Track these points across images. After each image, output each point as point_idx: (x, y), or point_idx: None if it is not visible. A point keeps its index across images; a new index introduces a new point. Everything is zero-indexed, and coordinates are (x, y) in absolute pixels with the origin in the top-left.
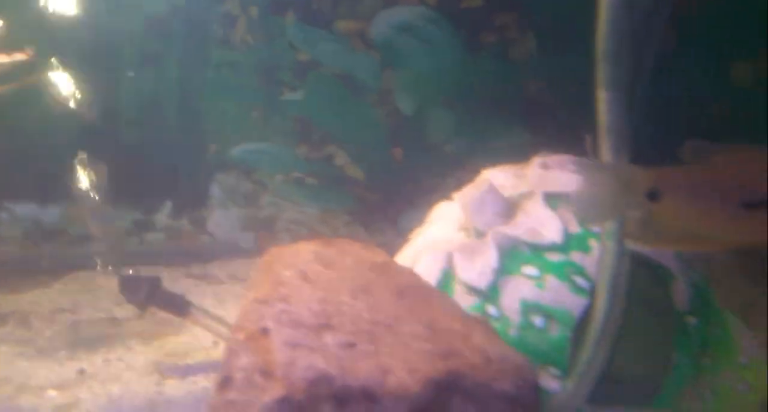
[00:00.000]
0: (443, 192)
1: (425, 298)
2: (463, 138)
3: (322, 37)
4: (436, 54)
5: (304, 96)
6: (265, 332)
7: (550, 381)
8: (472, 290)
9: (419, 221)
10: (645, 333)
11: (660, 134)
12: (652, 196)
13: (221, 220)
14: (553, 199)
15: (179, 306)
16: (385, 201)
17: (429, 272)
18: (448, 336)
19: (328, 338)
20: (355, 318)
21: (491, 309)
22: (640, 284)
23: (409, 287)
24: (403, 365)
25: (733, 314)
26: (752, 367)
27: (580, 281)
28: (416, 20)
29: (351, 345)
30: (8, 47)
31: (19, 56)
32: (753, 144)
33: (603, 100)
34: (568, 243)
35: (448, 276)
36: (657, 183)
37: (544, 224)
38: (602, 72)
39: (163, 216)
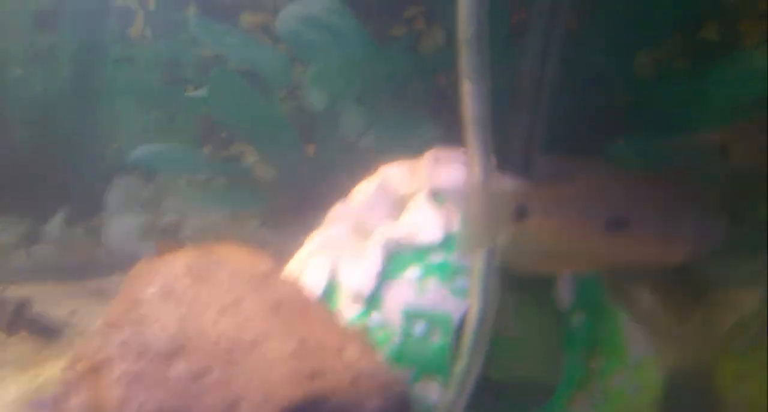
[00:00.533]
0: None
1: (302, 311)
2: (376, 133)
3: (227, 31)
4: (345, 47)
5: (208, 93)
6: (107, 362)
7: (434, 393)
8: (357, 297)
9: None
10: (531, 335)
11: (565, 126)
12: (521, 213)
13: (119, 229)
14: (439, 196)
15: (50, 330)
16: (299, 201)
17: (314, 280)
18: (319, 353)
19: (179, 367)
20: (217, 339)
21: (375, 317)
22: (521, 281)
23: (287, 300)
24: (258, 392)
25: (622, 311)
26: (642, 367)
27: (460, 281)
28: (323, 13)
29: (201, 375)
30: None
31: None
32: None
33: (467, 93)
34: (450, 242)
35: (332, 286)
36: (525, 200)
37: (426, 223)
38: (465, 62)
39: (54, 226)
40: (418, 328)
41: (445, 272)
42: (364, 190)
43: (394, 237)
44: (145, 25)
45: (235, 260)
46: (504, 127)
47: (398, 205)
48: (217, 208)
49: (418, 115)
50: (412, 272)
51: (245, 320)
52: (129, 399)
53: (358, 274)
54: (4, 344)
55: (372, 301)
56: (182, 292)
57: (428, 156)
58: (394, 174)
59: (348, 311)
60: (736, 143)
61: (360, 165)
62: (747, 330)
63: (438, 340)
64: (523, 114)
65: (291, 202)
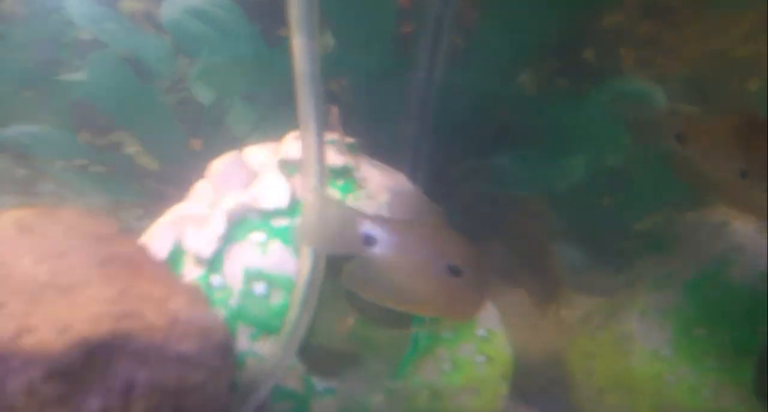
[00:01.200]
0: None
1: (135, 267)
2: (265, 131)
3: (106, 15)
4: (232, 43)
5: (86, 77)
6: None
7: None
8: (199, 260)
9: None
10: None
11: (442, 138)
12: (368, 241)
13: None
14: (288, 167)
15: None
16: (182, 193)
17: (160, 246)
18: (138, 301)
19: None
20: (22, 282)
21: (215, 279)
22: None
23: (121, 257)
24: (55, 326)
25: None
26: (490, 340)
27: None
28: (209, 6)
29: None
30: None
31: None
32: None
33: (297, 47)
34: (295, 208)
35: (177, 249)
36: (372, 229)
37: (273, 190)
38: (294, 15)
39: None
40: (258, 288)
41: (288, 235)
42: (216, 164)
43: (240, 202)
44: (18, 2)
45: (76, 221)
46: (392, 132)
47: (253, 178)
48: (97, 194)
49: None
50: (257, 235)
51: (66, 269)
52: None
53: (201, 237)
54: None
55: (213, 263)
56: (2, 239)
57: (289, 135)
58: (252, 150)
59: (190, 273)
60: (691, 130)
61: None
62: (592, 320)
63: (278, 300)
64: (411, 124)
65: (174, 194)
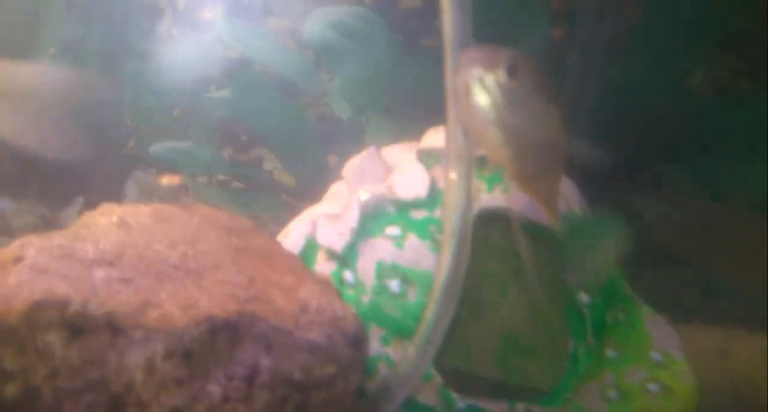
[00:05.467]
0: None
1: (267, 258)
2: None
3: (254, 33)
4: (374, 55)
5: (231, 95)
6: (18, 260)
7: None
8: (331, 254)
9: None
10: (530, 311)
11: (604, 145)
12: (512, 71)
13: None
14: (428, 157)
15: None
16: None
17: (294, 240)
18: (268, 287)
19: (98, 273)
20: (154, 262)
21: (348, 275)
22: (516, 247)
23: (254, 246)
24: (181, 302)
25: (641, 299)
26: (667, 365)
27: (440, 237)
28: (351, 19)
29: (123, 280)
30: None
31: None
32: None
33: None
34: (434, 198)
35: (310, 243)
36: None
37: (411, 179)
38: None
39: (72, 212)
40: (393, 285)
41: (426, 228)
42: (352, 162)
43: (376, 193)
44: (173, 24)
45: (211, 215)
46: None
47: (386, 172)
48: (235, 209)
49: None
50: (393, 229)
51: (197, 254)
52: (25, 285)
53: (334, 230)
54: None
55: (346, 258)
56: (138, 226)
57: (429, 130)
58: (389, 148)
59: (323, 268)
60: None
61: None
62: None
63: (414, 298)
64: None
65: None
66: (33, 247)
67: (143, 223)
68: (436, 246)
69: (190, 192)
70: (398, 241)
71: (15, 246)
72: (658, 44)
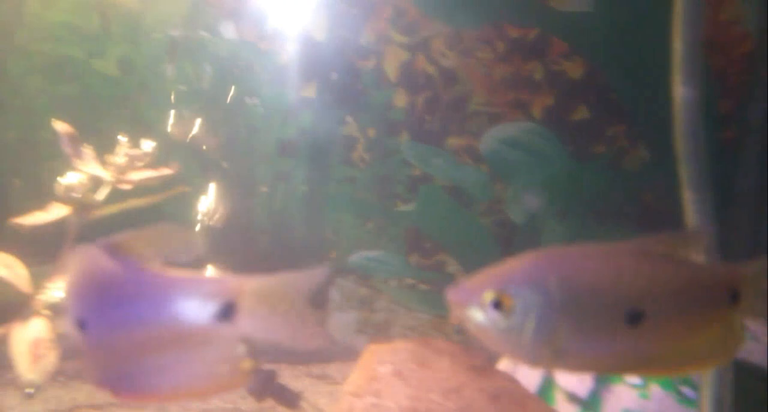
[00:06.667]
0: None
1: (520, 403)
2: None
3: (434, 153)
4: (545, 165)
5: (416, 207)
6: None
7: None
8: (573, 398)
9: None
10: None
11: None
12: (733, 298)
13: (338, 322)
14: None
15: (290, 400)
16: None
17: (529, 378)
18: None
19: None
20: None
21: None
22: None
23: (505, 391)
24: None
25: None
26: None
27: (686, 391)
28: (523, 135)
29: None
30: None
31: (165, 171)
32: None
33: (689, 201)
34: None
35: (548, 383)
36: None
37: None
38: (684, 173)
39: None
40: None
41: (669, 380)
42: None
43: None
44: (365, 150)
45: (451, 352)
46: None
47: None
48: (422, 310)
49: (623, 232)
50: (634, 377)
51: (467, 406)
52: None
53: (574, 375)
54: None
55: (588, 403)
56: (409, 374)
57: None
58: None
59: (564, 410)
60: None
61: None
62: None
63: None
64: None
65: None
66: (358, 409)
67: (411, 369)
68: (682, 399)
69: (383, 295)
70: (642, 391)
71: (343, 406)
72: None
